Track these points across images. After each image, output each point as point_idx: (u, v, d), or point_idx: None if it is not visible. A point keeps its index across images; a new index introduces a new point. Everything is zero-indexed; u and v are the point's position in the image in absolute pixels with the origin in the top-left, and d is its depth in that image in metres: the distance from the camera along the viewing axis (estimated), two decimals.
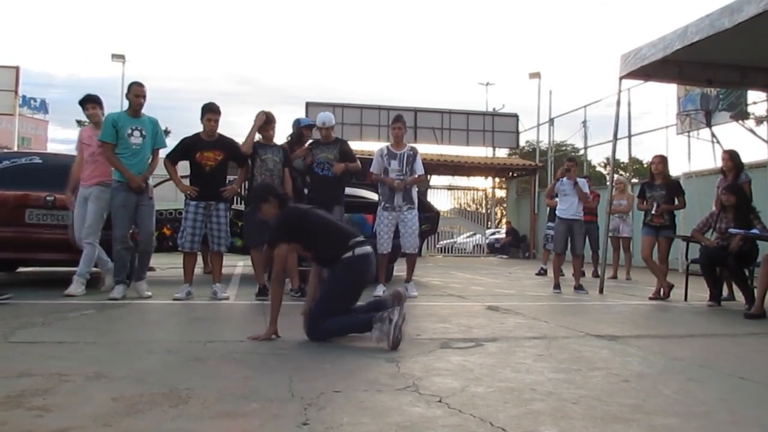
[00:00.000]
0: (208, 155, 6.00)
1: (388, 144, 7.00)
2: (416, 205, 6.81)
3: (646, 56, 7.11)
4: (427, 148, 20.57)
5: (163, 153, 6.28)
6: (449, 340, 4.07)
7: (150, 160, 6.01)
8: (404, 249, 6.80)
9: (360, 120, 19.97)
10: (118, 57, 25.24)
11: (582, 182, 7.97)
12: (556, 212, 8.03)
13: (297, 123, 7.10)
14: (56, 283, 6.34)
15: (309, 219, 4.12)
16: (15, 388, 2.58)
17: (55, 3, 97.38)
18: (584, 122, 18.64)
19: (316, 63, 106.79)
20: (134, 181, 5.73)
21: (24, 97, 23.34)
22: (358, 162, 6.88)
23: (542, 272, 10.80)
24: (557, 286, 7.66)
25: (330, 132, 6.80)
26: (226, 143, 6.17)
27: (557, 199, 8.21)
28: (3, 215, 6.11)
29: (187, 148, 6.07)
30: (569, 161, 8.27)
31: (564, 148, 25.78)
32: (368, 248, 4.02)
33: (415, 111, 20.53)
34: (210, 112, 6.05)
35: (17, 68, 18.61)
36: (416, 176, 6.76)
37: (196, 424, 2.22)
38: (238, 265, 10.54)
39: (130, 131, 5.83)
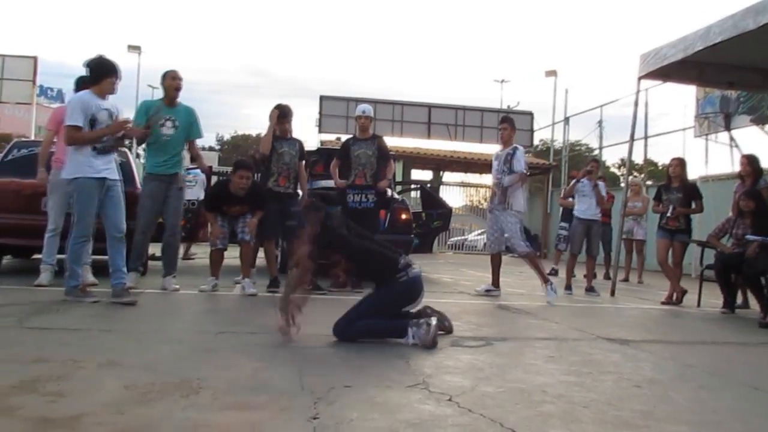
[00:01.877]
0: (234, 209, 5.98)
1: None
2: (512, 205, 6.76)
3: (666, 56, 7.05)
4: (439, 145, 20.53)
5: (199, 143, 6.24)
6: (459, 338, 4.06)
7: (181, 152, 5.93)
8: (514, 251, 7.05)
9: (374, 115, 19.92)
10: (134, 48, 25.31)
11: (600, 185, 7.94)
12: (575, 212, 7.97)
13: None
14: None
15: (350, 247, 4.00)
16: (30, 374, 2.61)
17: None
18: (600, 122, 18.52)
19: (331, 56, 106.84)
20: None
21: (41, 86, 23.50)
22: (392, 163, 6.88)
23: (553, 272, 10.74)
24: (569, 287, 7.63)
25: (368, 123, 6.79)
26: (254, 199, 6.00)
27: (573, 199, 8.18)
28: (20, 203, 6.15)
29: (216, 198, 6.09)
30: (593, 162, 8.22)
31: (578, 147, 25.65)
32: (419, 270, 4.01)
33: (429, 107, 20.46)
34: (242, 168, 5.91)
35: (35, 58, 18.76)
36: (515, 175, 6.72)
37: (206, 415, 2.24)
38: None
39: (162, 121, 5.69)
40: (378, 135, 7.11)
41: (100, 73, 4.87)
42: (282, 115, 6.30)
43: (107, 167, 4.86)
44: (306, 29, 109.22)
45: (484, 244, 22.94)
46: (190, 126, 5.87)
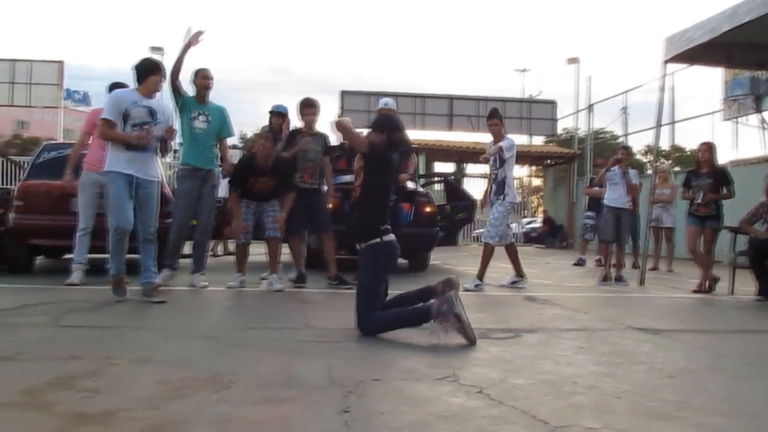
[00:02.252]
0: (261, 180, 5.86)
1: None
2: (506, 196, 6.72)
3: (693, 39, 6.89)
4: (461, 136, 20.42)
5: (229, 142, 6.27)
6: (487, 330, 4.04)
7: (214, 147, 5.98)
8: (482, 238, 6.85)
9: (395, 108, 19.89)
10: (157, 49, 25.58)
11: (633, 173, 7.82)
12: (604, 201, 7.86)
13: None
14: (102, 269, 6.46)
15: (390, 169, 4.09)
16: (65, 370, 2.66)
17: None
18: (624, 108, 18.23)
19: (351, 52, 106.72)
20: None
21: (67, 90, 23.87)
22: (413, 157, 6.86)
23: (580, 263, 10.65)
24: (605, 279, 7.48)
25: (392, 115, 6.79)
26: (281, 171, 5.98)
27: (599, 188, 8.07)
28: (50, 205, 6.26)
29: (242, 172, 5.95)
30: (623, 150, 8.09)
31: (603, 135, 25.26)
32: (393, 236, 3.97)
33: (450, 98, 20.37)
34: (266, 140, 5.94)
35: (61, 63, 19.13)
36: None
37: (238, 409, 2.26)
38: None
39: (195, 115, 5.80)
40: None
41: (144, 72, 4.89)
42: (309, 104, 6.26)
43: (137, 164, 4.79)
44: (325, 25, 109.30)
45: (513, 235, 22.87)
46: (221, 124, 5.97)
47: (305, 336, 3.66)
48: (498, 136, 6.84)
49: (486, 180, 6.99)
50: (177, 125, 5.20)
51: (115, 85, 5.75)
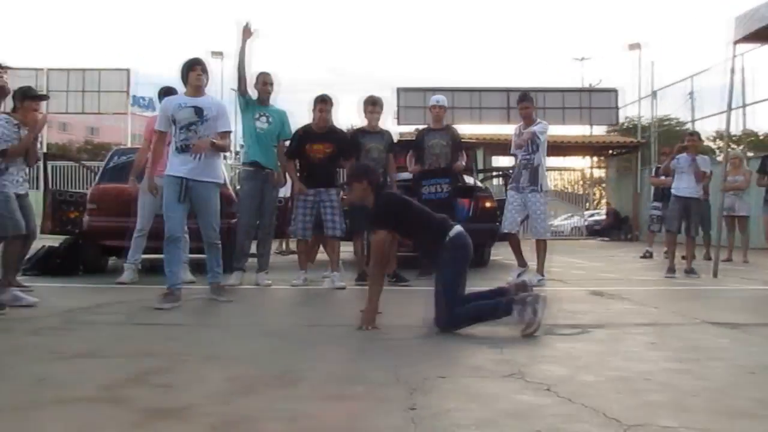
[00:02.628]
0: (317, 147, 5.98)
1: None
2: (542, 185, 6.39)
3: (765, 17, 6.54)
4: None
5: None
6: (553, 326, 3.95)
7: (274, 148, 6.10)
8: (533, 234, 6.54)
9: (452, 103, 19.77)
10: (217, 54, 26.25)
11: (703, 159, 7.47)
12: (672, 190, 7.54)
13: None
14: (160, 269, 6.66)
15: (410, 208, 4.03)
16: (140, 367, 2.76)
17: (157, 3, 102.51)
18: (691, 93, 17.53)
19: (406, 48, 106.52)
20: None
21: (134, 96, 24.83)
22: (465, 153, 6.78)
23: (647, 255, 10.32)
24: (672, 270, 7.17)
25: (442, 113, 6.73)
26: (337, 136, 6.12)
27: (665, 178, 7.78)
28: (121, 207, 6.49)
29: (298, 139, 6.08)
30: (689, 136, 7.77)
31: (668, 122, 24.37)
32: (460, 227, 3.93)
33: (507, 91, 20.02)
34: (321, 102, 6.03)
35: (128, 71, 19.91)
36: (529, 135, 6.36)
37: (306, 405, 2.29)
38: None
39: (257, 115, 5.95)
40: (450, 125, 7.01)
41: (185, 71, 4.83)
42: (372, 102, 6.27)
43: (188, 166, 4.70)
44: (380, 23, 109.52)
45: (572, 228, 22.43)
46: (281, 125, 6.10)
47: (369, 333, 3.67)
48: (529, 120, 6.53)
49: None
50: (234, 122, 5.18)
51: (165, 90, 5.97)
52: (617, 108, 21.22)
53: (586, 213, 22.55)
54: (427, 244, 4.04)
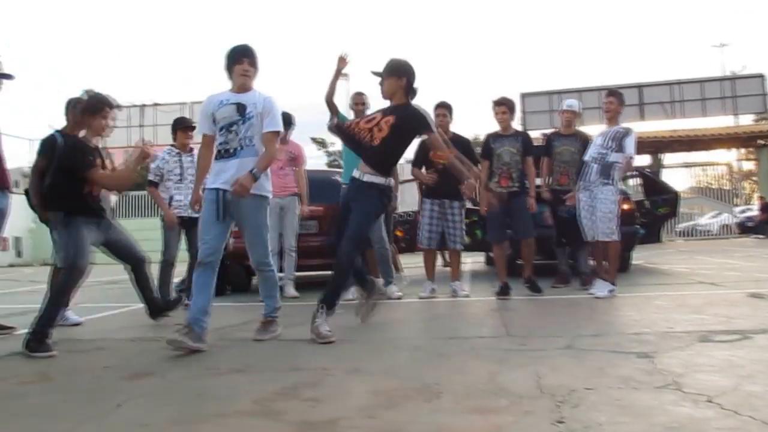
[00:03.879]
0: (441, 154, 6.02)
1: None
2: (615, 181, 5.77)
3: None
4: (655, 125, 19.03)
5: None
6: (708, 332, 3.68)
7: None
8: (599, 235, 5.80)
9: (580, 108, 19.07)
10: (343, 75, 27.14)
11: None
12: None
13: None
14: (311, 286, 6.97)
15: None
16: (289, 381, 2.89)
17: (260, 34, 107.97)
18: None
19: (529, 50, 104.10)
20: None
21: None
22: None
23: None
24: None
25: (573, 118, 6.50)
26: (460, 142, 6.11)
27: None
28: None
29: (422, 147, 6.11)
30: None
31: None
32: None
33: (639, 87, 19.10)
34: (441, 107, 6.10)
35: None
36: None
37: (450, 418, 2.29)
38: (466, 261, 10.70)
39: None
40: (581, 131, 6.70)
41: (230, 62, 4.07)
42: (501, 102, 6.15)
43: (227, 175, 3.93)
44: (500, 27, 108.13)
45: (721, 226, 20.76)
46: None
47: (507, 344, 3.62)
48: (614, 118, 5.94)
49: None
50: (275, 121, 4.05)
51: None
52: (765, 95, 19.49)
53: (736, 209, 20.80)
54: None
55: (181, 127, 6.05)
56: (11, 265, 16.93)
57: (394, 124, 4.19)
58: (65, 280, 4.09)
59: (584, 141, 6.39)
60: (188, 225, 5.92)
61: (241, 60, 4.02)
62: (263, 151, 3.99)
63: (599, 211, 5.69)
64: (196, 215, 5.54)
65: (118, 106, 9.46)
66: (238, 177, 3.81)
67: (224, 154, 3.97)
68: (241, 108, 3.96)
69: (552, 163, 6.52)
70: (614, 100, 6.00)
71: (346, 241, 4.15)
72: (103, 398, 2.73)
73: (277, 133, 4.06)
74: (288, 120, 6.74)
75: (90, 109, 4.39)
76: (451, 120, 6.25)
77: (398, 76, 4.29)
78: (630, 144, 5.75)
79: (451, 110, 6.25)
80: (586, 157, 5.92)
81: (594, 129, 6.88)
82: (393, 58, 4.39)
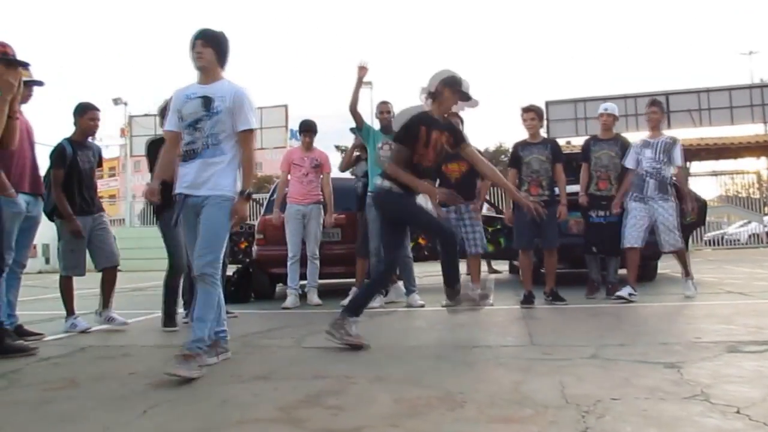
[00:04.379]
0: (453, 167, 6.04)
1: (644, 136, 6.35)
2: (672, 196, 6.01)
3: None
4: (683, 133, 18.74)
5: None
6: (737, 343, 3.61)
7: None
8: (665, 247, 6.03)
9: (618, 113, 18.90)
10: (366, 83, 27.38)
11: None
12: None
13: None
14: (333, 293, 6.99)
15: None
16: (312, 389, 2.90)
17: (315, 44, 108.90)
18: None
19: (554, 58, 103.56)
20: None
21: (291, 130, 26.64)
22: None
23: None
24: None
25: (611, 122, 6.38)
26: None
27: None
28: (284, 236, 6.85)
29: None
30: None
31: None
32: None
33: (666, 95, 18.82)
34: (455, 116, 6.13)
35: (286, 106, 21.39)
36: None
37: (474, 428, 2.27)
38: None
39: (380, 144, 6.17)
40: (620, 135, 6.59)
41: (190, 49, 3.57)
42: (528, 109, 6.08)
43: (188, 178, 3.51)
44: (524, 36, 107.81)
45: (750, 236, 20.36)
46: None
47: (531, 353, 3.59)
48: (657, 130, 6.11)
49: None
50: (247, 117, 3.53)
51: (306, 125, 6.79)
52: None
53: (766, 218, 20.39)
54: None
55: None
56: (40, 272, 17.25)
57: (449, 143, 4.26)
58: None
59: (624, 145, 6.33)
60: None
61: (193, 44, 3.50)
62: (236, 153, 3.54)
63: (662, 225, 5.91)
64: None
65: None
66: (234, 207, 3.46)
67: (189, 155, 3.49)
68: (207, 102, 3.45)
69: (590, 168, 6.41)
70: (657, 110, 6.19)
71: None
72: (129, 405, 2.76)
73: (252, 131, 3.56)
74: (311, 127, 6.83)
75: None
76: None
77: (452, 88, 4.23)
78: (678, 155, 6.01)
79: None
80: (640, 170, 6.02)
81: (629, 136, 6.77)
82: (447, 70, 4.30)
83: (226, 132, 3.48)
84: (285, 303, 6.32)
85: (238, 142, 3.54)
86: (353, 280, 6.67)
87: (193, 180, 3.46)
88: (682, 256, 6.12)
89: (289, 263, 6.49)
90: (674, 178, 6.12)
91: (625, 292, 5.75)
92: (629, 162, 6.11)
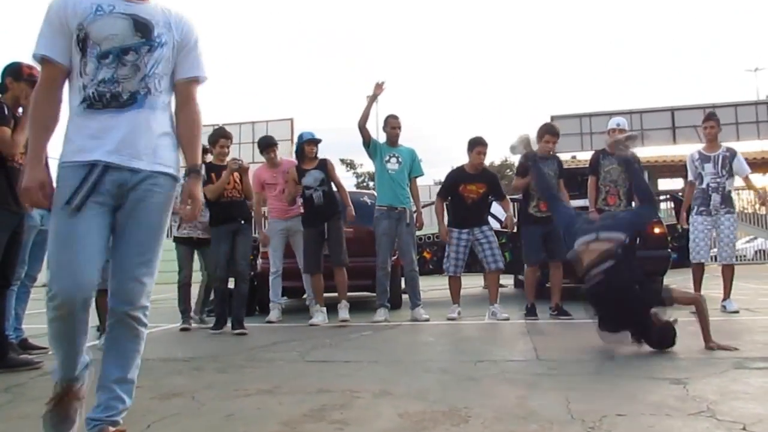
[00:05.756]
0: (471, 188, 6.18)
1: (699, 148, 6.45)
2: (734, 209, 6.17)
3: None
4: (688, 149, 18.77)
5: (420, 181, 6.60)
6: (743, 359, 3.60)
7: (407, 187, 6.35)
8: (720, 260, 6.21)
9: (628, 127, 18.92)
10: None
11: None
12: None
13: (300, 138, 6.61)
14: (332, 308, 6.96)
15: None
16: (316, 403, 2.90)
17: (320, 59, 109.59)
18: None
19: (559, 72, 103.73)
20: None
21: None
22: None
23: None
24: None
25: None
26: (490, 176, 6.36)
27: None
28: (288, 250, 6.87)
29: (453, 180, 6.32)
30: None
31: None
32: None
33: (672, 110, 18.89)
34: (480, 145, 6.25)
35: (291, 120, 21.58)
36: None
37: None
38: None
39: (387, 158, 6.26)
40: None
41: None
42: (547, 130, 6.15)
43: (108, 138, 2.15)
44: (530, 50, 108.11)
45: (756, 251, 20.28)
46: (411, 163, 6.37)
47: (537, 368, 3.58)
48: (714, 143, 6.23)
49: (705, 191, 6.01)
50: (198, 60, 2.37)
51: (268, 142, 6.94)
52: None
53: None
54: None
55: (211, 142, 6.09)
56: (44, 285, 17.26)
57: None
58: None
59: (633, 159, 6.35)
60: (200, 245, 6.14)
61: None
62: (171, 108, 2.37)
63: (726, 237, 6.06)
64: (207, 236, 5.82)
65: None
66: (185, 187, 2.35)
67: (110, 102, 2.16)
68: (141, 26, 2.20)
69: (597, 182, 6.40)
70: (714, 123, 6.33)
71: None
72: (133, 419, 2.75)
73: (203, 79, 2.40)
74: (270, 142, 6.77)
75: None
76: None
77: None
78: (743, 165, 6.21)
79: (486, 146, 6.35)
80: (703, 185, 6.13)
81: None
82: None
83: (168, 76, 2.31)
84: (269, 317, 6.36)
85: (178, 95, 2.37)
86: (365, 293, 6.69)
87: (125, 141, 2.16)
88: (731, 271, 6.15)
89: (271, 278, 6.50)
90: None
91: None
92: (690, 175, 6.31)
